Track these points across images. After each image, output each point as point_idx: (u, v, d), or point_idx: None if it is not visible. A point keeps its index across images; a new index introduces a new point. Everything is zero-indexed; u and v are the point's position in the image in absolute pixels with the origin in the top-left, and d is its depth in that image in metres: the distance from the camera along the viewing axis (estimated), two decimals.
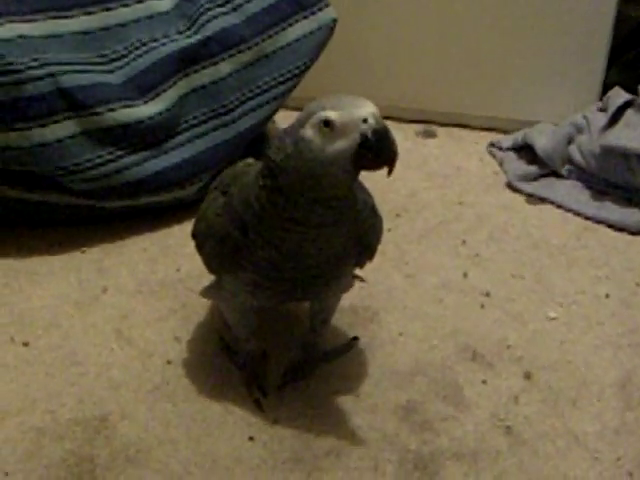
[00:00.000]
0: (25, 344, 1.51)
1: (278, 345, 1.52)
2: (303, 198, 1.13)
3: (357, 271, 1.39)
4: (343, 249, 1.24)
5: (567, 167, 2.10)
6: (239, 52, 1.88)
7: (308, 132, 1.10)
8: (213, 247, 1.26)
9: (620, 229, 1.92)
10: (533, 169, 2.10)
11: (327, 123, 1.08)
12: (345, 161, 1.10)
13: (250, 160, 1.30)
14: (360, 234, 1.26)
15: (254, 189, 1.18)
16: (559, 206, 2.02)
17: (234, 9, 1.90)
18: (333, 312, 1.45)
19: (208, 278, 1.39)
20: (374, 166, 1.10)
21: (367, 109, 1.09)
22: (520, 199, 2.05)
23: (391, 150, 1.09)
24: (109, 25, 1.80)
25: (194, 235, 1.36)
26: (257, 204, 1.17)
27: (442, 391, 1.42)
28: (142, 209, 1.85)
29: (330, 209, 1.15)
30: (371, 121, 1.08)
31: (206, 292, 1.41)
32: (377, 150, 1.09)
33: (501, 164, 2.18)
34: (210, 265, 1.33)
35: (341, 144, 1.09)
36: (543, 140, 2.10)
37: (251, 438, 1.32)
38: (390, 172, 1.10)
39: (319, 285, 1.28)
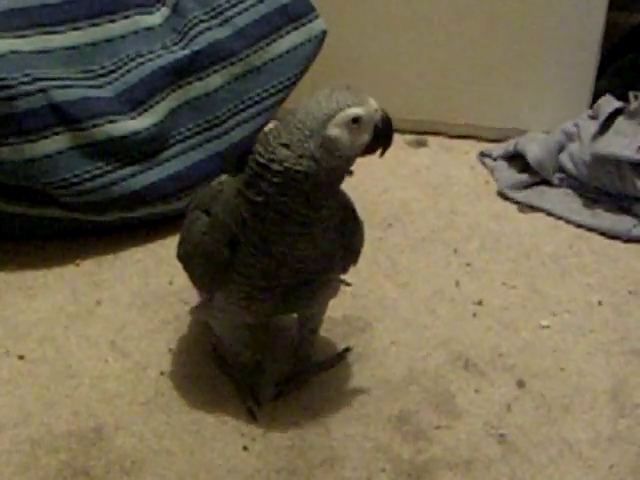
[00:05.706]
0: (20, 357, 1.52)
1: (271, 356, 1.52)
2: (308, 199, 1.16)
3: (342, 276, 1.40)
4: (331, 250, 1.26)
5: (558, 175, 2.10)
6: (229, 65, 1.89)
7: (335, 131, 1.13)
8: (202, 265, 1.27)
9: (612, 237, 1.92)
10: (524, 177, 2.10)
11: (356, 120, 1.14)
12: (360, 150, 1.18)
13: (223, 178, 1.31)
14: (344, 235, 1.29)
15: (240, 202, 1.19)
16: (551, 214, 2.01)
17: (224, 22, 1.90)
18: (321, 321, 1.45)
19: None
20: (375, 150, 1.20)
21: (373, 100, 1.17)
22: (512, 208, 2.05)
23: (392, 134, 1.19)
24: (99, 40, 1.81)
25: (180, 257, 1.36)
26: (248, 214, 1.19)
27: (435, 400, 1.43)
28: (135, 221, 1.85)
29: (329, 200, 1.19)
30: (380, 111, 1.17)
31: (196, 311, 1.42)
32: (384, 137, 1.18)
33: (492, 173, 2.18)
34: (201, 284, 1.34)
35: (364, 136, 1.16)
36: (535, 149, 2.10)
37: (245, 448, 1.32)
38: (382, 154, 1.21)
39: (309, 292, 1.30)
